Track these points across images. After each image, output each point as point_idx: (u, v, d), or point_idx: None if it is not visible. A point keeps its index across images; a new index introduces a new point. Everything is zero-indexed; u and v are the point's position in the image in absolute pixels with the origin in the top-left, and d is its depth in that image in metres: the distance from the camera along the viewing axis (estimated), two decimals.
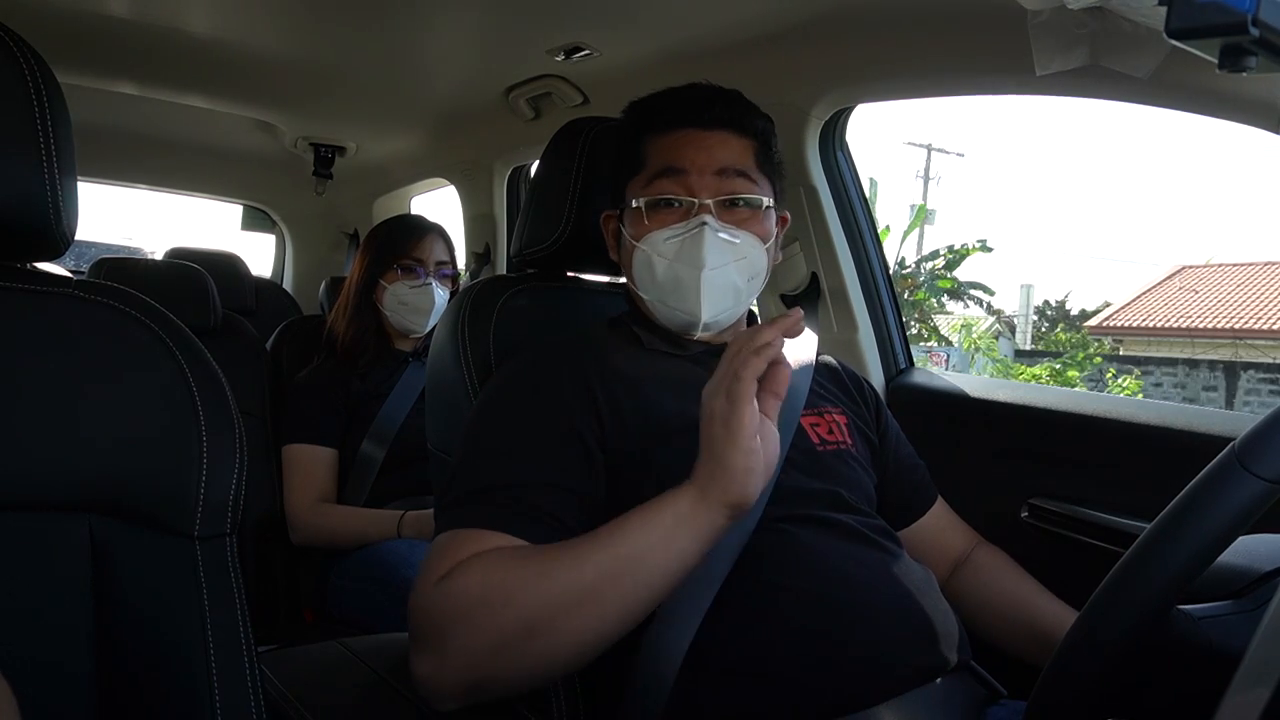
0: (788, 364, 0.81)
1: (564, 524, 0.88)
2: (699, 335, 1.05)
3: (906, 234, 14.61)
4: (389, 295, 1.92)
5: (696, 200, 1.00)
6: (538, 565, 0.80)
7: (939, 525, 1.19)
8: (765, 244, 1.03)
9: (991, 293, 15.43)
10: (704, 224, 0.99)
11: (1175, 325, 15.25)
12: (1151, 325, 15.60)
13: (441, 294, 1.93)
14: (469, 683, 0.80)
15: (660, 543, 0.79)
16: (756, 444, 0.78)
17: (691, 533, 0.79)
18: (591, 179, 1.16)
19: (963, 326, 15.11)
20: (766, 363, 0.78)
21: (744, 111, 1.05)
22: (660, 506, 0.80)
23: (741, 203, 1.02)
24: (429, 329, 1.93)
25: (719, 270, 0.99)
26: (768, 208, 1.04)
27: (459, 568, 0.82)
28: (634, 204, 1.03)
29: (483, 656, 0.79)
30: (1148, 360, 13.83)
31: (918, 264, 14.89)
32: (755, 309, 1.20)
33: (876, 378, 1.63)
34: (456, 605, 0.80)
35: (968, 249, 13.98)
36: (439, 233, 1.99)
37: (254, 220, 3.35)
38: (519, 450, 0.93)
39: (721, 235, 0.99)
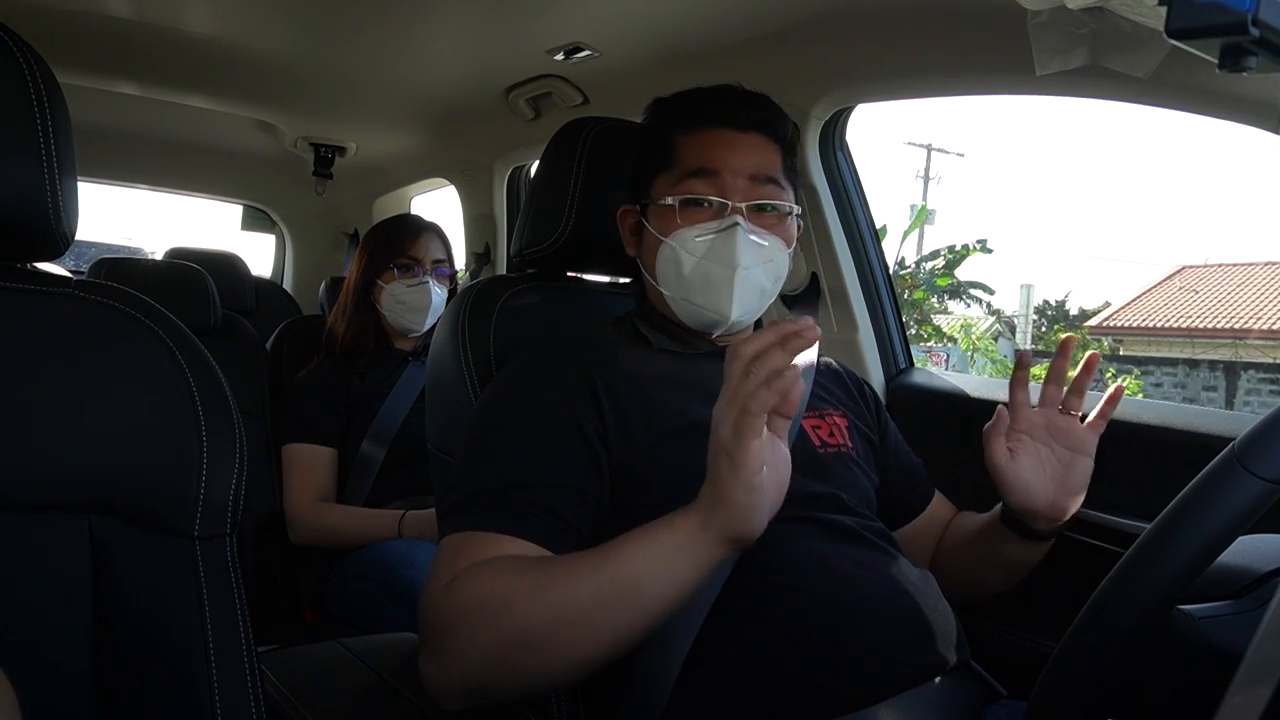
0: (800, 381, 0.76)
1: (572, 525, 0.89)
2: (717, 334, 1.04)
3: (906, 234, 14.58)
4: (386, 295, 1.92)
5: (729, 203, 1.00)
6: (534, 580, 0.80)
7: (938, 518, 1.20)
8: (788, 249, 1.04)
9: (991, 292, 15.44)
10: (736, 224, 0.99)
11: (1175, 325, 15.24)
12: (1151, 325, 15.59)
13: (439, 292, 1.92)
14: (468, 687, 0.81)
15: (657, 572, 0.78)
16: (761, 480, 0.75)
17: (690, 563, 0.78)
18: (592, 179, 1.16)
19: (962, 326, 15.08)
20: (778, 396, 0.73)
21: (775, 116, 1.05)
22: (659, 533, 0.79)
23: (770, 209, 1.02)
24: (427, 328, 1.93)
25: (750, 270, 0.99)
26: (792, 214, 1.04)
27: (464, 574, 0.82)
28: (666, 201, 1.02)
29: (480, 664, 0.79)
30: (1148, 360, 13.83)
31: (918, 264, 14.88)
32: None
33: (876, 378, 1.63)
34: (457, 611, 0.80)
35: (968, 249, 13.97)
36: (435, 231, 1.98)
37: (254, 220, 3.35)
38: (525, 450, 0.93)
39: (752, 237, 0.99)
